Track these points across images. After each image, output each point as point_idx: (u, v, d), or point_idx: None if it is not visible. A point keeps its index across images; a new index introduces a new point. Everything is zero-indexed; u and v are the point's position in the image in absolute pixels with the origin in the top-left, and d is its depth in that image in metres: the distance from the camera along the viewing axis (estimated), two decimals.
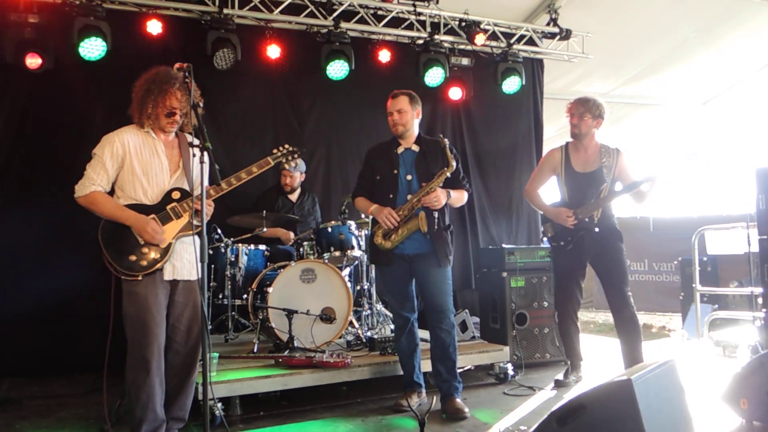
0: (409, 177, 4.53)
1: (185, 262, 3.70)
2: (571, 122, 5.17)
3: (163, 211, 3.63)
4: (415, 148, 4.60)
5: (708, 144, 10.97)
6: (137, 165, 3.62)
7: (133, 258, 3.55)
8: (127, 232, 3.57)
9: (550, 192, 5.39)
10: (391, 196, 4.52)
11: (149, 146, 3.68)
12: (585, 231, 5.02)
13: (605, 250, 5.06)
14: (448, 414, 4.39)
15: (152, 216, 3.59)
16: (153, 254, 3.58)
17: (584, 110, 5.10)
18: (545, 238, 5.36)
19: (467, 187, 4.68)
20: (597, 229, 5.02)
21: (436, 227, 4.43)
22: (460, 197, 4.61)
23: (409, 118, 4.57)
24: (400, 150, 4.62)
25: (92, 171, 3.59)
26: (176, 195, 3.69)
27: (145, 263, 3.56)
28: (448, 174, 4.45)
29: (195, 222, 3.65)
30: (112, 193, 3.66)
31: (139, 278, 3.54)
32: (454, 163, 4.46)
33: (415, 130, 4.64)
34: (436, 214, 4.44)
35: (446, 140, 4.50)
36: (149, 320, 3.54)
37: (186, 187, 3.71)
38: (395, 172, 4.55)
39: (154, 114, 3.62)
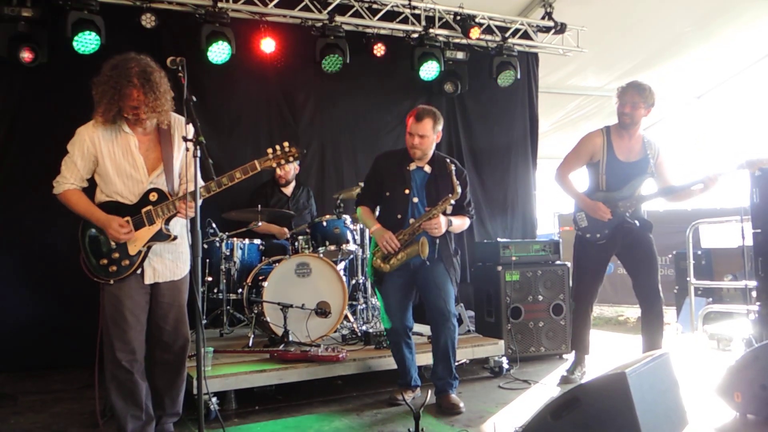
0: (415, 199, 4.43)
1: (167, 262, 3.59)
2: (623, 110, 4.85)
3: (138, 214, 3.50)
4: (428, 169, 4.47)
5: (702, 137, 11.01)
6: (110, 166, 3.47)
7: (104, 262, 3.46)
8: (101, 235, 3.48)
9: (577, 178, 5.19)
10: (399, 216, 4.41)
11: (122, 144, 3.49)
12: (626, 225, 4.84)
13: (637, 242, 4.91)
14: (443, 409, 4.39)
15: (126, 219, 3.45)
16: (123, 261, 3.47)
17: (640, 100, 4.80)
18: (576, 227, 5.12)
19: (471, 214, 4.59)
20: (637, 223, 4.86)
21: (436, 255, 4.36)
22: (461, 225, 4.53)
23: (429, 144, 4.40)
24: (412, 167, 4.48)
25: (65, 168, 3.50)
26: (153, 197, 3.51)
27: (115, 269, 3.46)
28: (452, 201, 4.35)
29: (172, 230, 3.57)
30: (94, 184, 3.57)
31: (111, 282, 3.46)
32: (459, 190, 4.33)
33: (431, 151, 4.50)
34: (437, 241, 4.36)
35: (453, 165, 4.37)
36: (123, 323, 3.46)
37: (167, 184, 3.55)
38: (406, 192, 4.43)
39: (116, 115, 3.41)
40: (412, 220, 4.37)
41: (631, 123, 4.87)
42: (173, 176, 3.56)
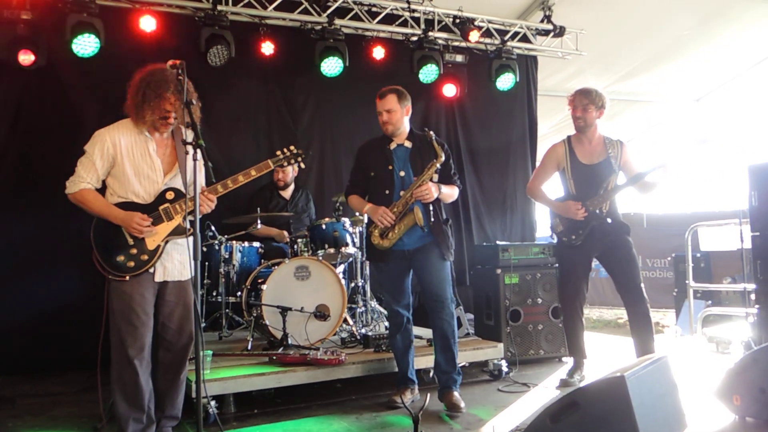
0: (402, 173, 4.51)
1: (176, 262, 3.69)
2: (574, 114, 5.10)
3: (155, 211, 3.59)
4: (408, 144, 4.57)
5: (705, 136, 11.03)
6: (128, 166, 3.58)
7: (122, 258, 3.53)
8: (118, 232, 3.55)
9: (552, 188, 5.35)
10: (387, 192, 4.50)
11: (141, 146, 3.62)
12: (597, 223, 4.97)
13: (616, 245, 5.01)
14: (445, 406, 4.40)
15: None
16: (141, 256, 3.55)
17: (588, 102, 5.03)
18: (554, 234, 5.27)
19: (458, 183, 4.68)
20: (609, 220, 4.97)
21: (432, 220, 4.41)
22: (451, 193, 4.60)
23: (398, 117, 4.52)
24: (393, 146, 4.58)
25: (82, 168, 3.57)
26: (170, 195, 3.64)
27: (132, 264, 3.54)
28: (438, 165, 4.43)
29: (187, 224, 3.64)
30: (105, 189, 3.63)
31: (127, 278, 3.52)
32: (442, 153, 4.44)
33: (406, 127, 4.60)
34: (431, 207, 4.42)
35: (431, 133, 4.50)
36: (134, 319, 3.52)
37: (181, 186, 3.66)
38: (390, 168, 4.52)
39: (151, 119, 3.55)
40: (402, 192, 4.44)
41: (585, 126, 5.08)
42: (185, 178, 3.64)
